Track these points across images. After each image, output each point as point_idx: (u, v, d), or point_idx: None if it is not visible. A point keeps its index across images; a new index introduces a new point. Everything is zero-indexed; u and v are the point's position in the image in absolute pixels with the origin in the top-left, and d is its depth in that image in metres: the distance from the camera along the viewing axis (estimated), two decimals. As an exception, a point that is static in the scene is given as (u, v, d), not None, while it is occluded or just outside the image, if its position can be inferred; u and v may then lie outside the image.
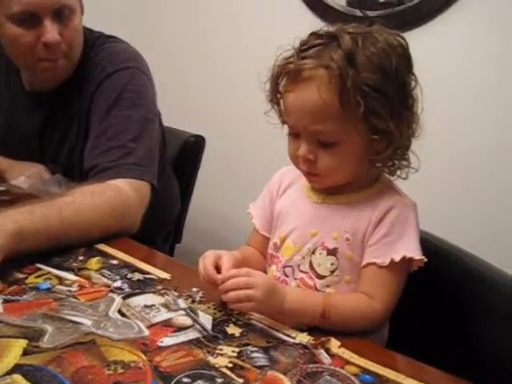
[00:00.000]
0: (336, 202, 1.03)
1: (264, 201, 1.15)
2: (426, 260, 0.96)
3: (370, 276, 0.97)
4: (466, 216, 1.79)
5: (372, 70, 0.92)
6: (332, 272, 1.00)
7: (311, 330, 0.91)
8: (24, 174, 1.43)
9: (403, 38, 0.98)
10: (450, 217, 1.76)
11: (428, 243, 1.01)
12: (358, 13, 2.02)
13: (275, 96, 1.02)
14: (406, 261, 0.96)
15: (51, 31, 1.27)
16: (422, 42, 1.02)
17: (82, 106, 1.39)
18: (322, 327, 0.91)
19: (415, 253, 0.96)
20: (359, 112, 0.92)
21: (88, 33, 1.45)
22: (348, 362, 0.84)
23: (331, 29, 0.98)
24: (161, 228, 1.65)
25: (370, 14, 1.99)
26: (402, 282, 0.98)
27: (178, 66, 2.42)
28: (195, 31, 2.40)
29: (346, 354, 0.86)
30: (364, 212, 1.00)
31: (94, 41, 1.44)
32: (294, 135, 1.00)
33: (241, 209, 2.33)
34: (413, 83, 0.98)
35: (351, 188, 1.03)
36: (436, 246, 1.08)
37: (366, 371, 0.82)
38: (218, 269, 0.96)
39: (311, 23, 2.00)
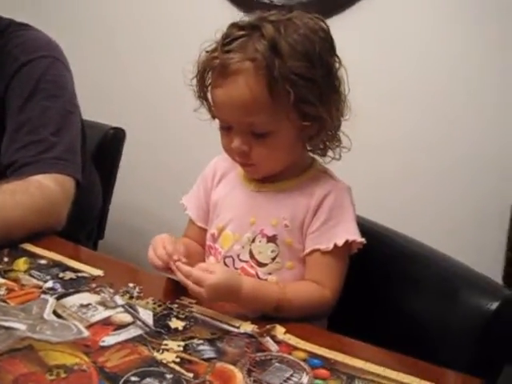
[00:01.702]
0: (272, 190, 1.04)
1: (198, 191, 1.13)
2: (365, 242, 0.98)
3: (316, 263, 0.99)
4: (397, 198, 1.86)
5: (297, 57, 0.93)
6: (273, 259, 1.00)
7: (255, 318, 0.91)
8: None
9: (324, 21, 0.99)
10: (382, 199, 1.81)
11: (360, 225, 1.03)
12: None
13: (203, 91, 1.01)
14: (348, 244, 0.97)
15: None
16: (338, 31, 1.03)
17: None
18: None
19: (356, 235, 0.98)
20: (289, 101, 0.92)
21: (-4, 20, 1.36)
22: (295, 348, 0.84)
23: (252, 19, 0.98)
24: (84, 224, 1.59)
25: (278, 2, 1.98)
26: (346, 266, 1.00)
27: (94, 56, 2.34)
28: (114, 21, 2.32)
29: (292, 339, 0.86)
30: (301, 198, 1.01)
31: (4, 28, 1.34)
32: (226, 129, 1.00)
33: (163, 202, 2.30)
34: (337, 65, 1.00)
35: (286, 175, 1.03)
36: (368, 228, 1.10)
37: (313, 355, 0.82)
38: None
39: (223, 8, 2.03)
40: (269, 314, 0.91)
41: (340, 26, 1.16)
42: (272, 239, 1.00)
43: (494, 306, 0.87)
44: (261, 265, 1.01)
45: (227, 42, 0.95)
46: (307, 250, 0.99)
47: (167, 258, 0.94)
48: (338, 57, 1.00)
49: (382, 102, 1.84)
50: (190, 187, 1.18)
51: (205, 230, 1.11)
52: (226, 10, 2.05)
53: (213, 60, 0.95)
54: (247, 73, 0.92)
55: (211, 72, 0.97)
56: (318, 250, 0.98)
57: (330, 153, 1.04)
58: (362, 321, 1.04)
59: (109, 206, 1.76)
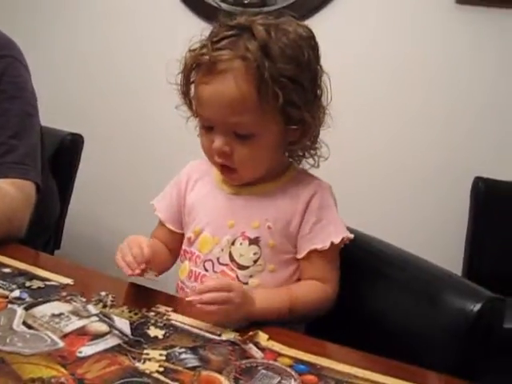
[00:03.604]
0: (251, 193, 1.02)
1: (170, 194, 1.10)
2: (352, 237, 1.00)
3: (315, 262, 0.99)
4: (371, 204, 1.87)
5: (286, 60, 0.92)
6: (255, 261, 0.99)
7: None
8: None
9: (311, 30, 0.99)
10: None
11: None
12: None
13: (187, 88, 0.98)
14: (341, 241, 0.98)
15: None
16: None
17: None
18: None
19: (347, 232, 0.99)
20: (277, 103, 0.91)
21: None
22: (280, 354, 0.82)
23: (241, 20, 0.96)
24: (41, 232, 1.51)
25: (225, 7, 2.03)
26: (339, 261, 1.01)
27: (51, 58, 2.27)
28: (74, 23, 2.28)
29: (276, 346, 0.84)
30: (284, 200, 1.00)
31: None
32: (207, 128, 0.97)
33: (122, 212, 2.24)
34: (320, 74, 0.99)
35: (265, 178, 1.02)
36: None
37: (299, 361, 0.80)
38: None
39: (182, 16, 2.02)
40: (281, 319, 0.92)
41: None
42: (254, 241, 0.99)
43: (477, 307, 0.86)
44: (242, 267, 0.99)
45: (216, 40, 0.93)
46: (304, 252, 0.99)
47: (134, 264, 0.92)
48: (321, 66, 0.99)
49: (359, 110, 1.87)
50: (150, 196, 1.15)
51: (174, 233, 1.10)
52: (179, 12, 2.05)
53: (202, 56, 0.93)
54: (237, 71, 0.91)
55: (197, 69, 0.95)
56: (315, 250, 0.98)
57: (309, 160, 1.04)
58: (341, 326, 1.02)
59: (66, 215, 1.69)
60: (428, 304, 0.94)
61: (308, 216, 0.99)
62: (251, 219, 0.99)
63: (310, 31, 0.98)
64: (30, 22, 2.33)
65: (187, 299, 0.88)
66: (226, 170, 0.99)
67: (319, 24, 1.70)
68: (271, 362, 0.79)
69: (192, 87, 0.98)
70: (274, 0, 2.03)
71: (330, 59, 1.00)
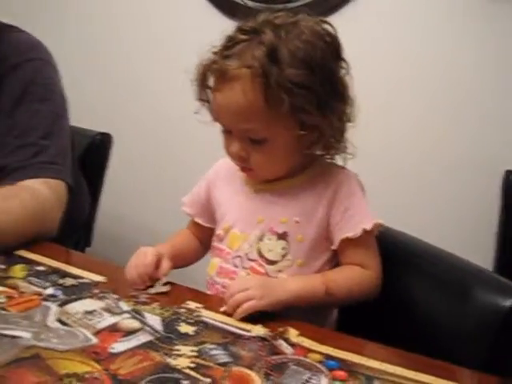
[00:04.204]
0: (277, 189, 1.03)
1: (199, 190, 1.13)
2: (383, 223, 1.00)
3: (351, 251, 0.99)
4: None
5: (296, 64, 0.91)
6: (283, 256, 0.99)
7: (265, 321, 0.88)
8: None
9: (331, 25, 0.98)
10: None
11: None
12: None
13: (204, 94, 1.00)
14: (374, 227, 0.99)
15: None
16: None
17: None
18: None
19: (376, 218, 0.99)
20: (285, 109, 0.91)
21: (-17, 22, 1.31)
22: (310, 350, 0.82)
23: (257, 21, 0.96)
24: (72, 231, 1.54)
25: (252, 5, 1.99)
26: (377, 247, 1.01)
27: (80, 59, 2.30)
28: (100, 24, 2.30)
29: (306, 342, 0.84)
30: (311, 193, 1.00)
31: (-6, 30, 1.30)
32: (227, 132, 0.99)
33: (151, 210, 2.25)
34: (343, 70, 0.98)
35: (290, 174, 1.02)
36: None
37: (329, 357, 0.80)
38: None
39: (208, 14, 2.03)
40: (320, 303, 0.95)
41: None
42: (282, 236, 1.00)
43: (509, 303, 0.86)
44: (270, 263, 0.99)
45: (229, 45, 0.94)
46: (337, 242, 0.99)
47: (138, 281, 0.96)
48: (344, 60, 0.98)
49: (383, 105, 1.85)
50: (179, 194, 1.17)
51: (202, 226, 1.13)
52: (212, 16, 2.05)
53: (212, 64, 0.95)
54: (244, 80, 0.92)
55: (212, 75, 0.97)
56: (347, 239, 0.98)
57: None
58: (371, 319, 1.02)
59: (96, 214, 1.72)
60: (459, 299, 0.93)
61: (336, 206, 0.99)
62: (279, 215, 1.00)
63: (330, 27, 0.97)
64: (57, 20, 2.36)
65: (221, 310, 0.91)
66: (246, 169, 1.01)
67: (341, 21, 1.69)
68: (301, 357, 0.80)
69: (208, 92, 0.99)
70: (299, -4, 2.02)
71: (352, 57, 0.99)
